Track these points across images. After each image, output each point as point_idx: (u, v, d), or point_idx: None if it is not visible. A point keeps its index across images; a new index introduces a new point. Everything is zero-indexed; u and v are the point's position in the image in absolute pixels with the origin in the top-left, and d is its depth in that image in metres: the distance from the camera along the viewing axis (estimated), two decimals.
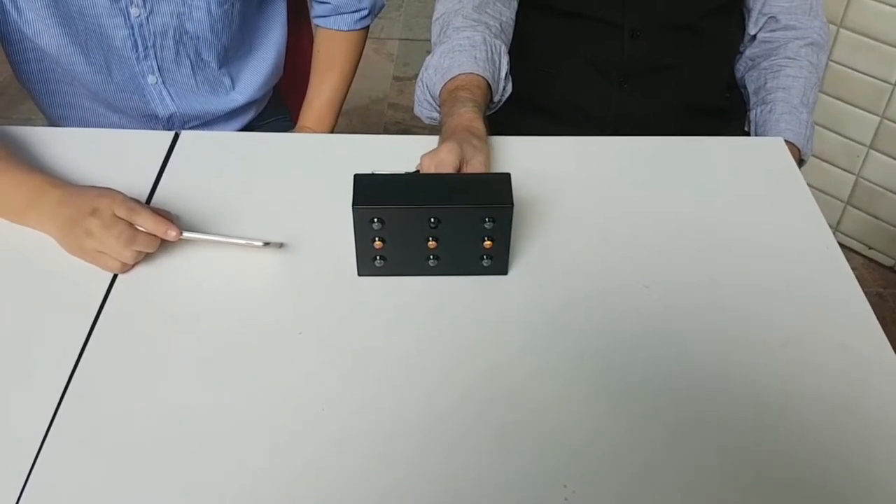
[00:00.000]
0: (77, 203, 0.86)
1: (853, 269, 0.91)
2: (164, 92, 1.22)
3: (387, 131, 2.47)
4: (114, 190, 0.88)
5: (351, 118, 2.48)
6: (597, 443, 0.73)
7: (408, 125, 2.49)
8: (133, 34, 1.14)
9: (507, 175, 0.85)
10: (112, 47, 1.15)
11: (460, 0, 1.15)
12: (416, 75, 1.13)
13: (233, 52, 1.24)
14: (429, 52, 1.14)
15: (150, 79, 1.20)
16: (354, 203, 0.82)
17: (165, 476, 0.70)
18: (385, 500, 0.69)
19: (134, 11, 1.12)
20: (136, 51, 1.16)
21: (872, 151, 1.84)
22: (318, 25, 1.35)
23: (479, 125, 0.98)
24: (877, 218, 1.93)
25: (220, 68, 1.24)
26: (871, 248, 1.99)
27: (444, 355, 0.80)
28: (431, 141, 1.01)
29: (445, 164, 0.88)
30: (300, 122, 1.35)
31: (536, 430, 0.74)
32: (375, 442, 0.73)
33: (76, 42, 1.13)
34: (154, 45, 1.16)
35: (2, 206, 0.92)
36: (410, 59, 2.76)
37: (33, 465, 0.70)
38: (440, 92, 1.06)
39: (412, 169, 0.93)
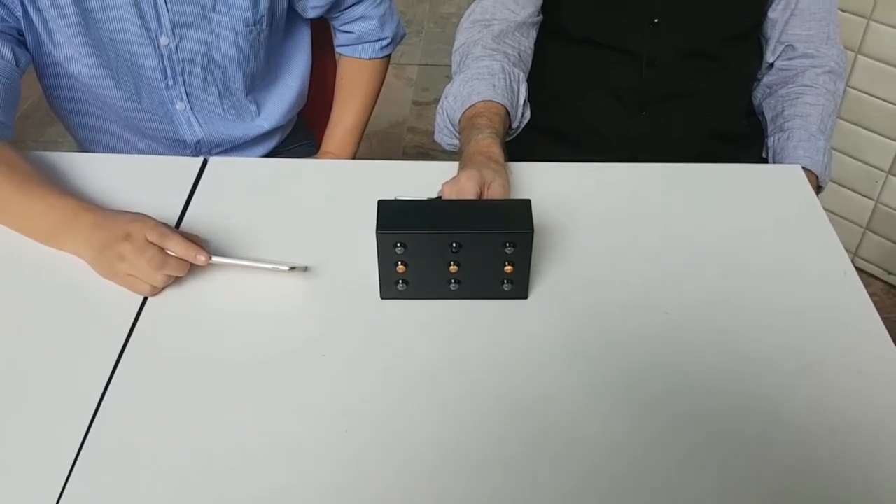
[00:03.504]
0: (110, 227, 0.89)
1: (873, 294, 0.91)
2: (192, 118, 1.25)
3: (406, 154, 2.50)
4: (146, 215, 0.90)
5: (371, 142, 2.51)
6: (617, 464, 0.74)
7: (427, 149, 2.51)
8: (162, 62, 1.17)
9: (528, 201, 0.87)
10: (142, 74, 1.18)
11: (480, 31, 1.17)
12: (435, 100, 1.15)
13: (259, 79, 1.27)
14: (448, 78, 1.16)
15: (179, 105, 1.23)
16: (378, 228, 0.83)
17: (193, 495, 0.71)
18: None
19: (163, 40, 1.15)
20: (166, 78, 1.19)
21: (891, 177, 1.85)
22: (341, 54, 1.38)
23: (497, 150, 0.99)
24: None
25: (246, 95, 1.27)
26: (890, 273, 1.98)
27: (465, 378, 0.82)
28: (452, 166, 1.02)
29: (466, 190, 0.90)
30: (323, 148, 1.38)
31: (557, 452, 0.75)
32: (398, 463, 0.74)
33: (107, 69, 1.16)
34: (182, 73, 1.19)
35: (35, 229, 0.95)
36: (429, 85, 2.79)
37: (66, 483, 0.72)
38: (460, 119, 1.08)
39: (434, 194, 0.95)
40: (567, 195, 1.03)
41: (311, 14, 1.28)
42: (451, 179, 0.92)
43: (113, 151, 1.27)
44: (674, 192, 1.06)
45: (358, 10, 1.31)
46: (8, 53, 1.07)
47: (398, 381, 0.81)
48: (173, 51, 1.17)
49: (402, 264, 0.86)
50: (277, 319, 0.88)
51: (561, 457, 0.75)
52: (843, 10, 1.70)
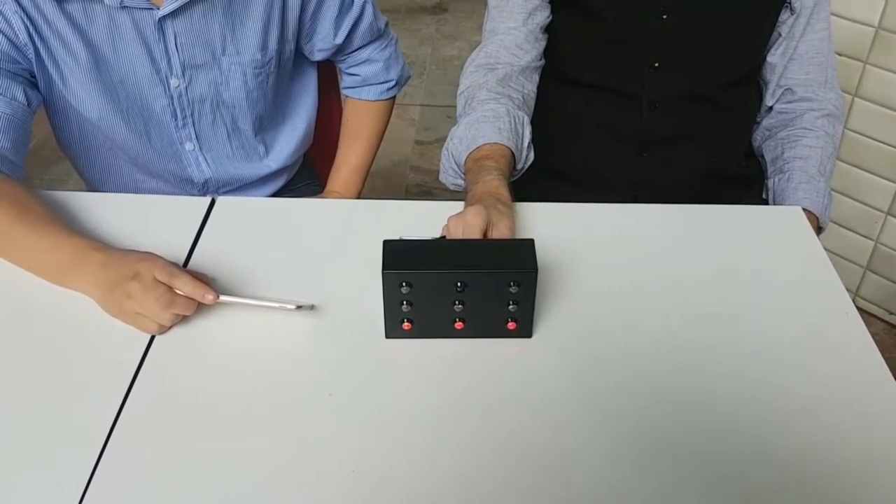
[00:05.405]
0: (119, 266, 0.89)
1: (874, 334, 0.92)
2: (201, 158, 1.27)
3: (408, 192, 2.52)
4: (154, 254, 0.91)
5: (374, 180, 2.52)
6: (621, 503, 0.74)
7: (429, 187, 2.53)
8: (172, 103, 1.19)
9: (531, 240, 0.88)
10: (152, 115, 1.20)
11: (484, 75, 1.19)
12: (437, 140, 1.17)
13: (267, 120, 1.29)
14: (449, 118, 1.18)
15: (188, 145, 1.24)
16: (384, 267, 0.84)
17: None
18: None
19: (173, 82, 1.17)
20: (175, 119, 1.21)
21: (891, 217, 1.86)
22: (347, 95, 1.40)
23: (505, 192, 1.01)
24: None
25: (255, 136, 1.29)
26: (891, 313, 1.99)
27: (470, 416, 0.82)
28: (455, 206, 1.03)
29: (472, 226, 0.91)
30: (329, 187, 1.39)
31: (562, 491, 0.75)
32: (404, 501, 0.74)
33: (117, 110, 1.18)
34: (192, 114, 1.21)
35: (45, 268, 0.95)
36: (431, 125, 2.82)
37: None
38: (465, 160, 1.10)
39: (438, 233, 0.96)
40: (570, 235, 1.04)
41: (318, 57, 1.31)
42: (458, 214, 0.93)
43: (121, 191, 1.29)
44: (676, 233, 1.07)
45: (364, 54, 1.33)
46: (20, 94, 1.09)
47: (404, 419, 0.81)
48: (183, 92, 1.19)
49: (407, 303, 0.87)
50: (283, 357, 0.88)
51: (564, 495, 0.75)
52: (840, 54, 1.74)
